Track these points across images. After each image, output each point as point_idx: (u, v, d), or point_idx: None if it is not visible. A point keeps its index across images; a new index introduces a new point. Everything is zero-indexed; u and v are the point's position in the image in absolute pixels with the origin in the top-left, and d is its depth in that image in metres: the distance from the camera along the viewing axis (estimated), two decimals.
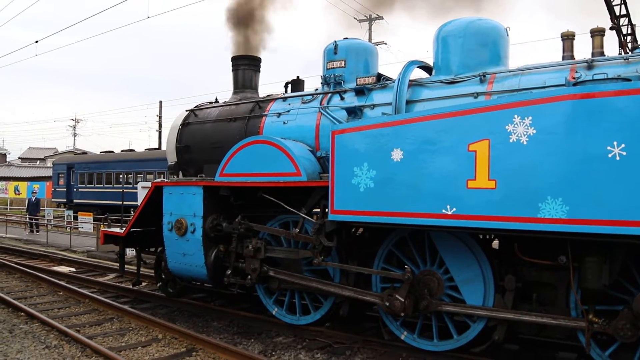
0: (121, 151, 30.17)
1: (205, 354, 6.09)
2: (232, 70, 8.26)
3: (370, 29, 30.53)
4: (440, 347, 5.75)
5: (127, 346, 6.41)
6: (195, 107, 8.46)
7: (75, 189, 29.16)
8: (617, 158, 4.16)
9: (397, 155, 5.18)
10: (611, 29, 9.74)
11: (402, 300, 5.55)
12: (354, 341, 6.38)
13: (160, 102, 35.56)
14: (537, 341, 6.27)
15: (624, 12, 9.70)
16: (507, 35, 6.16)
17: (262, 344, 6.46)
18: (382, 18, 29.69)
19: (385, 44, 30.63)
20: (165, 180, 8.07)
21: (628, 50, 8.50)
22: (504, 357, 5.81)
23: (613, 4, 9.66)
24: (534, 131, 4.50)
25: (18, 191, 37.25)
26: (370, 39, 30.37)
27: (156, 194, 7.63)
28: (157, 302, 8.66)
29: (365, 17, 30.32)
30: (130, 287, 9.43)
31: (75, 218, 23.96)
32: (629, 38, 9.79)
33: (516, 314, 5.23)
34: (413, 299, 5.61)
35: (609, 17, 9.59)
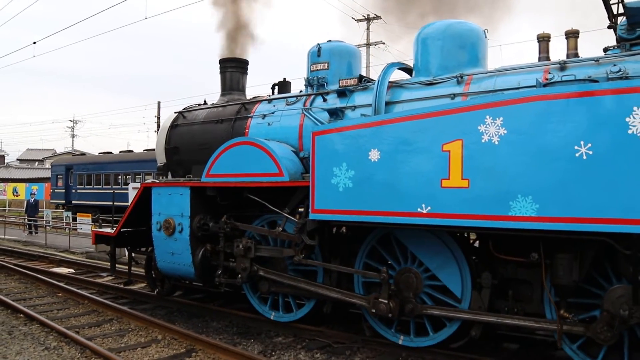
0: (120, 152, 30.30)
1: (205, 355, 6.10)
2: (220, 73, 8.40)
3: (368, 28, 30.65)
4: (416, 343, 5.88)
5: (127, 347, 6.43)
6: (184, 109, 8.60)
7: (73, 190, 29.31)
8: (584, 157, 4.28)
9: (374, 155, 5.30)
10: (609, 27, 9.81)
11: (386, 301, 5.66)
12: (353, 341, 6.40)
13: (159, 102, 35.62)
14: (536, 340, 6.35)
15: (621, 10, 9.77)
16: (486, 37, 6.28)
17: (262, 344, 6.48)
18: (380, 18, 29.79)
19: (384, 43, 30.66)
20: (156, 181, 8.19)
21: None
22: (504, 356, 5.85)
23: (610, 2, 9.73)
24: (505, 131, 4.62)
25: (17, 193, 37.39)
26: (368, 40, 30.54)
27: (145, 194, 7.75)
28: (156, 303, 8.66)
29: (363, 17, 30.46)
30: (130, 288, 9.51)
31: (74, 219, 24.11)
32: None
33: (499, 317, 5.36)
34: (399, 302, 5.72)
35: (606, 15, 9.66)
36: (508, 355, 5.92)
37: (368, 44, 30.30)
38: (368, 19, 30.36)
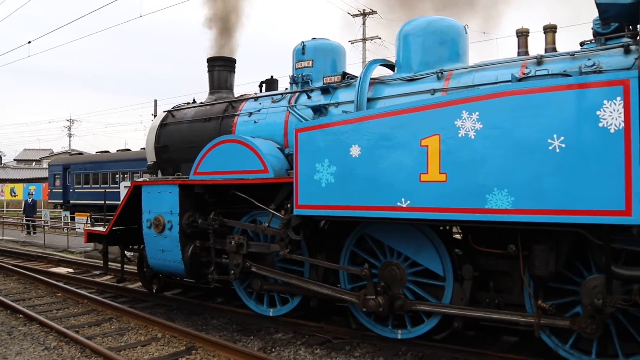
0: (117, 151, 30.35)
1: (205, 352, 6.12)
2: (208, 72, 8.48)
3: (364, 23, 30.68)
4: (414, 333, 5.98)
5: (127, 346, 6.43)
6: (173, 107, 8.69)
7: (71, 190, 29.39)
8: (557, 150, 4.37)
9: (355, 151, 5.39)
10: None
11: (374, 297, 5.75)
12: (353, 336, 6.44)
13: (155, 100, 35.43)
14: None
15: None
16: (466, 33, 6.37)
17: (262, 341, 6.50)
18: (375, 12, 29.82)
19: (379, 38, 30.70)
20: (147, 179, 8.28)
21: None
22: (503, 349, 5.90)
23: None
24: (481, 126, 4.71)
25: (14, 193, 37.52)
26: (364, 35, 30.57)
27: (136, 192, 7.83)
28: (156, 301, 8.67)
29: (359, 12, 30.47)
30: (129, 286, 9.58)
31: (72, 219, 24.19)
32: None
33: (486, 312, 5.47)
34: (388, 298, 5.81)
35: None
36: (507, 348, 5.95)
37: (364, 39, 30.38)
38: (364, 14, 30.39)
